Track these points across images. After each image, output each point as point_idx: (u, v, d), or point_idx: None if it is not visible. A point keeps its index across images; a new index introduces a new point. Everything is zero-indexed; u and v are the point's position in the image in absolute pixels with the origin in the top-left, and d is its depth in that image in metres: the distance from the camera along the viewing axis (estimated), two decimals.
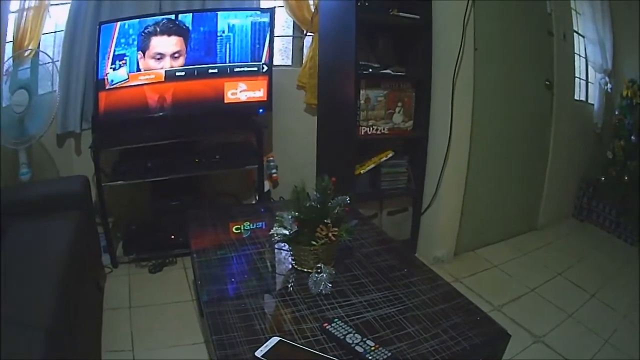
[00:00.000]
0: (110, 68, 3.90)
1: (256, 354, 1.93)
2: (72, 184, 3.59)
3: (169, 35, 4.01)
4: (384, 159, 4.35)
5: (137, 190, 4.49)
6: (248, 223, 3.24)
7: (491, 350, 2.24)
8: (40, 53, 3.90)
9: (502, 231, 5.14)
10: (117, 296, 3.87)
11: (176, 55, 4.08)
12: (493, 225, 5.04)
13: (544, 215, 5.44)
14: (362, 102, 4.12)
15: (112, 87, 3.96)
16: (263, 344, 1.99)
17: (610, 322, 3.85)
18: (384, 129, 4.27)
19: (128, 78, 3.99)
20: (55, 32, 4.17)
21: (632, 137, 5.18)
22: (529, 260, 4.86)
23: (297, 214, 2.49)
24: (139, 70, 4.02)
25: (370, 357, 1.92)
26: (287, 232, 2.49)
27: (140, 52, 3.98)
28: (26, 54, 3.83)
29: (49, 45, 4.14)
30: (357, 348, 1.97)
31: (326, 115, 4.81)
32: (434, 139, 4.40)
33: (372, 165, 4.32)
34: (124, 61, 3.93)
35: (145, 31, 3.94)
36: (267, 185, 4.82)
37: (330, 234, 2.44)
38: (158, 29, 3.96)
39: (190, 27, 4.05)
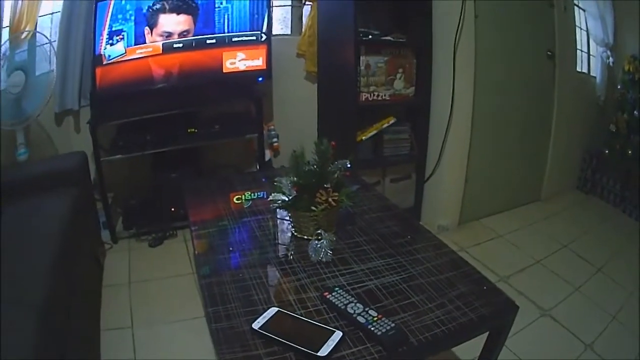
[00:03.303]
0: (107, 44, 3.78)
1: (253, 325, 1.80)
2: (69, 161, 3.52)
3: (178, 13, 3.92)
4: (386, 125, 4.26)
5: (136, 165, 4.39)
6: (249, 192, 3.08)
7: (499, 322, 2.10)
8: (38, 35, 3.80)
9: (506, 201, 5.05)
10: (117, 272, 3.79)
11: (184, 33, 4.00)
12: (497, 195, 4.95)
13: (548, 186, 5.33)
14: (362, 68, 4.03)
15: (109, 62, 3.84)
16: (261, 315, 1.85)
17: (616, 298, 3.74)
18: (385, 95, 4.17)
19: (125, 52, 3.87)
20: (52, 13, 4.03)
21: (635, 112, 5.06)
22: (533, 231, 4.75)
23: (295, 179, 2.36)
24: (137, 44, 3.90)
25: (372, 329, 1.78)
26: (285, 198, 2.35)
27: (147, 27, 3.88)
28: (23, 36, 3.72)
29: (46, 27, 4.02)
30: (359, 318, 1.83)
31: (326, 82, 4.71)
32: (436, 106, 4.29)
33: (374, 132, 4.23)
34: (121, 36, 3.81)
35: (154, 7, 3.83)
36: (268, 155, 4.71)
37: (330, 199, 2.29)
38: (167, 6, 3.86)
39: (199, 4, 3.97)
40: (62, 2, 3.92)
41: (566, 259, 4.27)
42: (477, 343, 2.12)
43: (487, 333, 2.12)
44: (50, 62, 3.84)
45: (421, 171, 4.55)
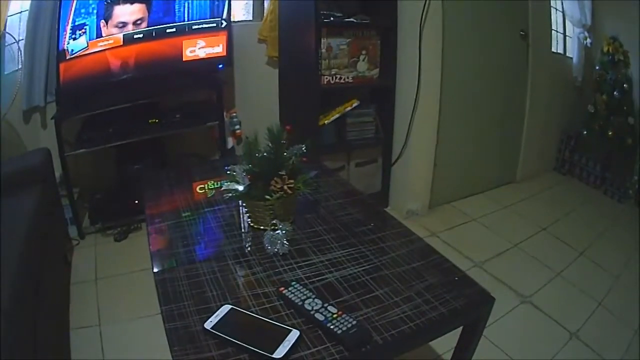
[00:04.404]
0: (70, 38, 3.68)
1: (205, 325, 1.64)
2: (31, 159, 3.40)
3: (132, 3, 3.83)
4: (349, 108, 4.16)
5: (101, 158, 4.31)
6: (211, 182, 2.87)
7: (473, 316, 1.93)
8: (6, 35, 3.74)
9: (479, 183, 4.98)
10: (84, 269, 3.70)
11: (138, 22, 3.90)
12: (469, 177, 4.88)
13: (524, 167, 5.28)
14: (323, 50, 3.92)
15: (72, 56, 3.74)
16: (214, 314, 1.69)
17: (602, 282, 3.65)
18: (347, 78, 4.06)
19: (87, 46, 3.78)
20: (20, 12, 3.94)
21: (615, 93, 5.03)
22: (509, 213, 4.67)
23: (249, 166, 2.17)
24: (98, 37, 3.81)
25: (332, 327, 1.61)
26: (240, 188, 2.17)
27: (103, 20, 3.77)
28: None
29: (15, 26, 3.93)
30: (318, 315, 1.66)
31: (288, 66, 4.58)
32: (402, 88, 4.19)
33: (337, 115, 4.14)
34: (83, 30, 3.72)
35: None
36: (230, 142, 4.61)
37: (285, 187, 2.11)
38: None
39: None
40: (29, 1, 3.83)
41: (546, 242, 4.17)
42: (453, 334, 1.95)
43: (461, 327, 1.96)
44: (17, 62, 3.84)
45: (388, 155, 4.45)
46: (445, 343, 2.16)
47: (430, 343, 2.66)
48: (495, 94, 4.73)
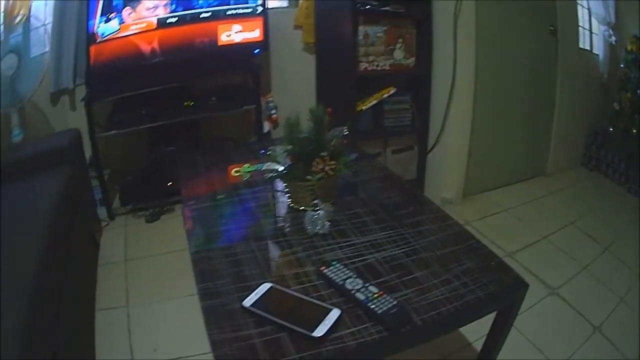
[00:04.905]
0: (101, 21, 3.66)
1: (244, 303, 1.64)
2: (61, 139, 3.39)
3: None
4: (386, 95, 4.13)
5: (133, 140, 4.30)
6: (248, 165, 2.84)
7: (507, 300, 1.93)
8: (32, 18, 3.70)
9: (510, 175, 4.92)
10: (114, 249, 3.69)
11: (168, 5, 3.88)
12: (501, 169, 4.83)
13: (553, 161, 5.20)
14: (360, 38, 3.92)
15: (103, 39, 3.73)
16: (253, 292, 1.68)
17: (623, 278, 3.59)
18: (384, 65, 4.03)
19: (119, 29, 3.77)
20: None
21: (639, 91, 4.93)
22: (539, 206, 4.61)
23: (290, 147, 2.18)
24: (126, 21, 3.80)
25: (373, 307, 1.61)
26: (280, 168, 2.17)
27: (129, 7, 3.77)
28: (17, 20, 3.60)
29: (40, 11, 3.88)
30: (358, 295, 1.66)
31: (325, 53, 4.56)
32: (438, 77, 4.16)
33: (374, 102, 4.11)
34: (114, 13, 3.69)
35: None
36: (266, 126, 4.59)
37: (327, 168, 2.10)
38: None
39: None
40: None
41: (572, 236, 4.12)
42: (484, 322, 1.95)
43: (495, 312, 1.96)
44: (45, 45, 3.80)
45: (423, 142, 4.42)
46: (476, 329, 2.15)
47: (461, 330, 2.67)
48: (526, 87, 4.69)
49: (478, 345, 2.53)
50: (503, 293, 1.85)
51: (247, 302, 1.64)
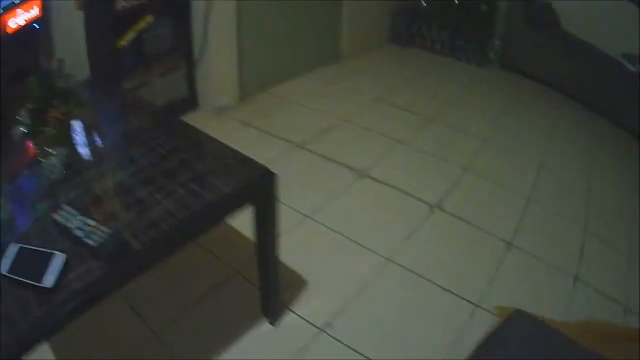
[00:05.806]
0: None
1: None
2: None
3: None
4: (145, 25, 3.96)
5: None
6: None
7: (248, 195, 1.92)
8: None
9: (298, 67, 4.88)
10: None
11: None
12: (283, 62, 4.76)
13: (349, 46, 5.23)
14: None
15: None
16: (3, 257, 1.56)
17: (462, 147, 3.77)
18: None
19: None
20: None
21: None
22: (338, 90, 4.64)
23: (30, 107, 2.14)
24: None
25: (89, 241, 1.57)
26: (25, 130, 2.15)
27: None
28: None
29: None
30: (77, 232, 1.60)
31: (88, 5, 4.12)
32: None
33: (133, 35, 3.93)
34: None
35: None
36: None
37: (57, 114, 2.11)
38: None
39: None
40: None
41: (383, 113, 4.18)
42: None
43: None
44: None
45: (189, 59, 4.30)
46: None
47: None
48: None
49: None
50: (242, 189, 1.84)
51: (3, 268, 1.53)
